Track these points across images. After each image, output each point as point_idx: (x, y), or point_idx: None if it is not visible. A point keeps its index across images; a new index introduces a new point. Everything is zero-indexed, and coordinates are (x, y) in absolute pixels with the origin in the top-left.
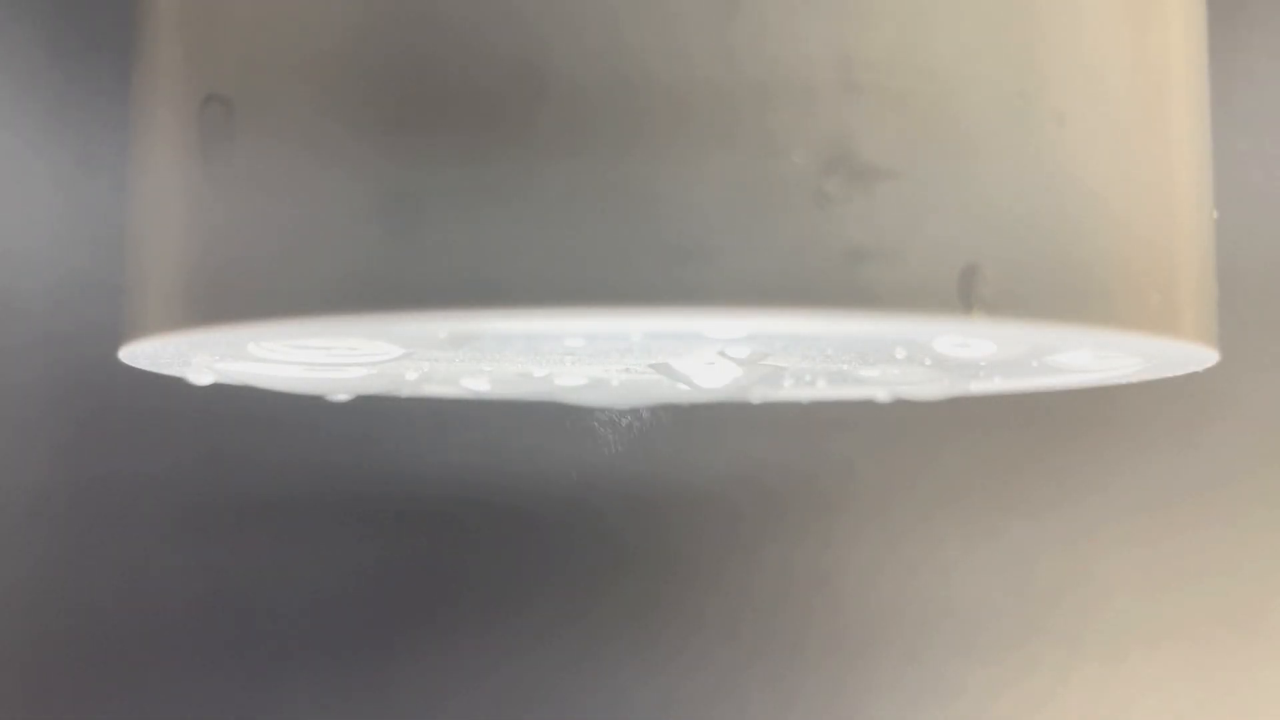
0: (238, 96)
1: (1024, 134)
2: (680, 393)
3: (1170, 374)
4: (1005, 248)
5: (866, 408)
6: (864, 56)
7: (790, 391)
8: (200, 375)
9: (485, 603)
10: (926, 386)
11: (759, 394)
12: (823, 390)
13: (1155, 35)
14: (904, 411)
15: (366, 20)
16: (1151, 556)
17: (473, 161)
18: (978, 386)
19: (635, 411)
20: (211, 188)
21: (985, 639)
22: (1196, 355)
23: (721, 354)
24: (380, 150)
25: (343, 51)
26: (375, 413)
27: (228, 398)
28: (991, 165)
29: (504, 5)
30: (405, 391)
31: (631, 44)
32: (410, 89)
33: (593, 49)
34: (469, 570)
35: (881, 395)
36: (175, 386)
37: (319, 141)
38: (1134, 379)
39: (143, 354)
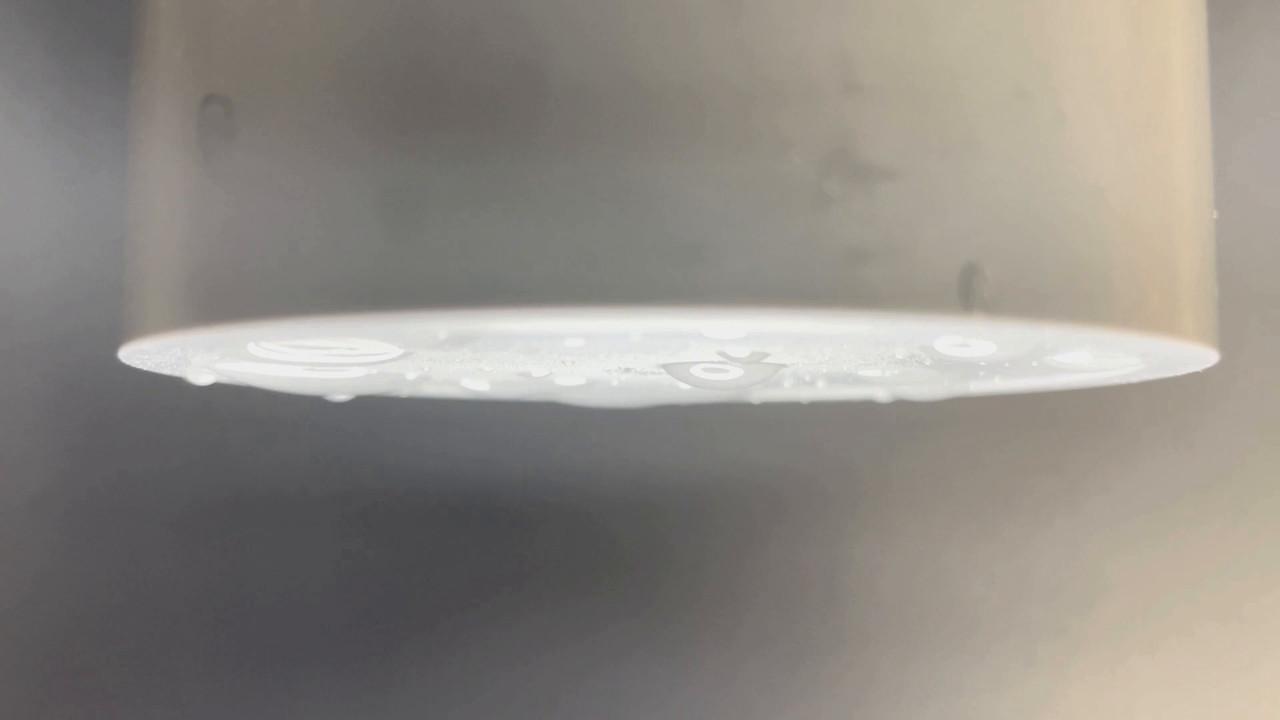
0: (237, 96)
1: (1024, 133)
2: (680, 393)
3: (1170, 374)
4: (1005, 247)
5: (866, 408)
6: (864, 56)
7: (790, 391)
8: (200, 375)
9: (485, 602)
10: (926, 386)
11: (759, 394)
12: (823, 390)
13: (1156, 35)
14: (904, 411)
15: (367, 20)
16: (1151, 556)
17: (473, 161)
18: (978, 386)
19: (635, 412)
20: (211, 188)
21: (985, 639)
22: (1196, 355)
23: (722, 353)
24: (380, 150)
25: (343, 51)
26: (375, 413)
27: (228, 398)
28: (992, 165)
29: (505, 5)
30: (405, 391)
31: (633, 44)
32: (411, 88)
33: (594, 49)
34: (469, 570)
35: (881, 395)
36: (175, 386)
37: (319, 142)
38: (1134, 379)
39: (143, 354)
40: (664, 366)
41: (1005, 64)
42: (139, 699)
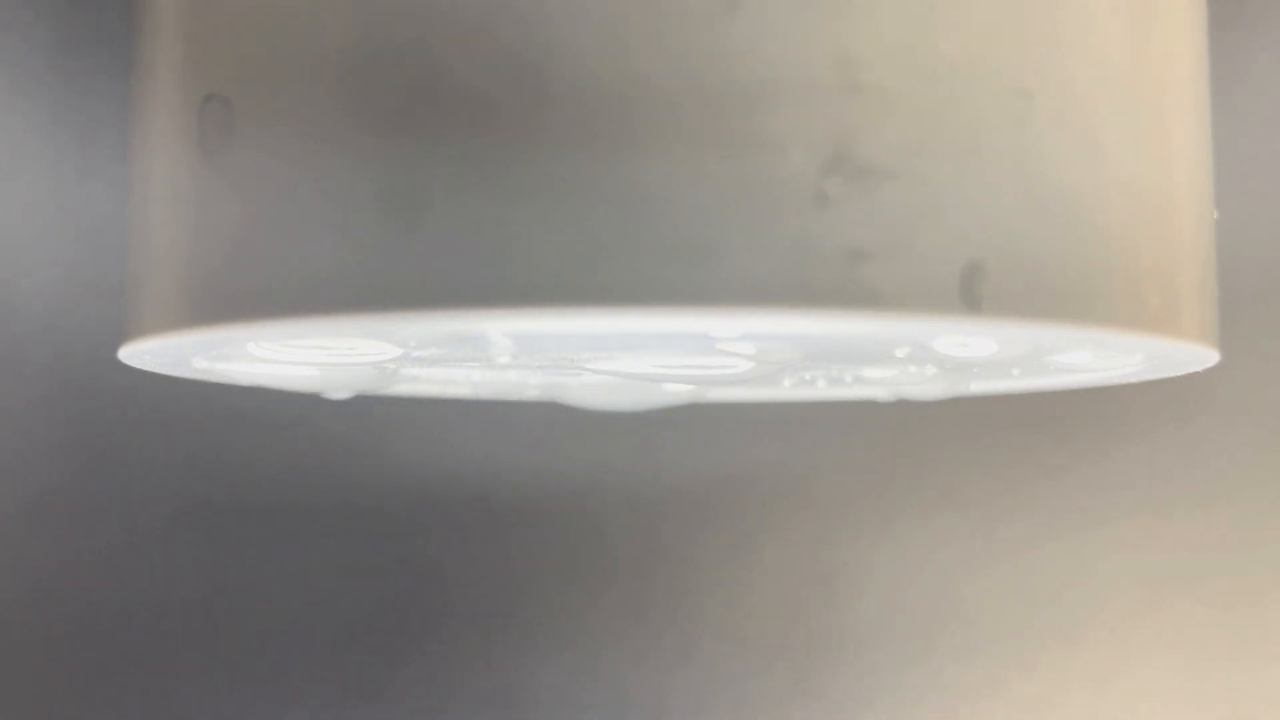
0: (237, 96)
1: (1024, 133)
2: (680, 393)
3: (1170, 374)
4: (1006, 247)
5: (866, 408)
6: (864, 56)
7: (790, 391)
8: (200, 375)
9: (484, 603)
10: (926, 386)
11: (758, 394)
12: (823, 390)
13: (1156, 36)
14: (904, 411)
15: (367, 19)
16: (1151, 556)
17: (473, 161)
18: (978, 386)
19: (636, 412)
20: (211, 187)
21: (985, 639)
22: (1197, 355)
23: (724, 352)
24: (380, 150)
25: (343, 51)
26: (374, 413)
27: (228, 398)
28: (992, 164)
29: (505, 3)
30: (403, 390)
31: (633, 43)
32: (410, 88)
33: (593, 48)
34: (468, 570)
35: (881, 395)
36: (175, 386)
37: (319, 141)
38: (1134, 379)
39: (143, 354)
40: (664, 367)
41: (1005, 64)
42: (138, 699)
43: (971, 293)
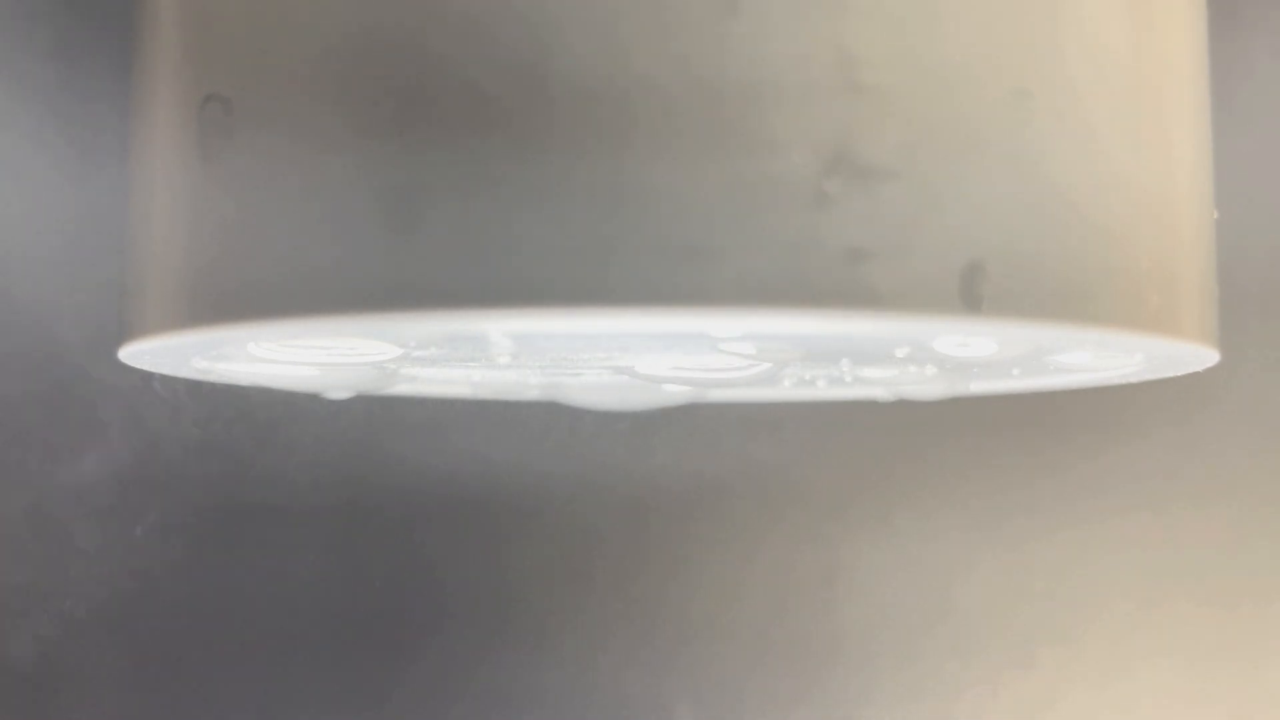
0: (237, 96)
1: (1024, 133)
2: (679, 393)
3: (1171, 374)
4: (1006, 247)
5: (866, 408)
6: (864, 56)
7: (790, 391)
8: (200, 375)
9: (484, 603)
10: (926, 386)
11: (758, 394)
12: (823, 390)
13: (1156, 35)
14: (904, 411)
15: (367, 19)
16: (1151, 556)
17: (473, 161)
18: (978, 386)
19: (635, 412)
20: (211, 187)
21: (984, 639)
22: (1197, 355)
23: (725, 352)
24: (380, 150)
25: (343, 51)
26: (374, 413)
27: (228, 398)
28: (991, 164)
29: (505, 3)
30: (403, 390)
31: (632, 43)
32: (410, 88)
33: (593, 48)
34: (468, 571)
35: (882, 395)
36: (175, 387)
37: (319, 141)
38: (1134, 379)
39: (143, 354)
40: (664, 367)
41: (1005, 63)
42: (137, 699)
43: (971, 293)
